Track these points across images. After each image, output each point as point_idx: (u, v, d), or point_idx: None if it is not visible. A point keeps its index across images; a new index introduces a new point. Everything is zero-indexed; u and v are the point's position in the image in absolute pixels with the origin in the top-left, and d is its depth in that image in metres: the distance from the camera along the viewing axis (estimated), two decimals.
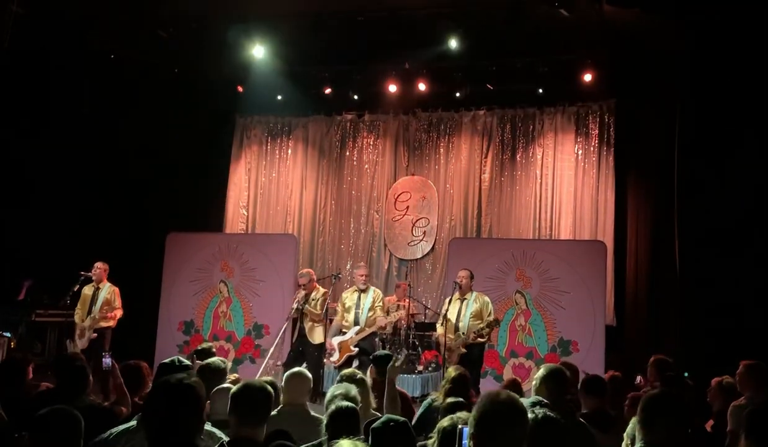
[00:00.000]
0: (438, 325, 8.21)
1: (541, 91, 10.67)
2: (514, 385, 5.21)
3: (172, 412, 2.59)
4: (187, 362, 4.35)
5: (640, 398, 3.26)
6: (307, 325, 8.56)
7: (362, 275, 8.64)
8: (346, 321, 8.48)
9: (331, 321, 8.91)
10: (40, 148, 10.37)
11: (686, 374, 7.27)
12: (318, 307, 8.53)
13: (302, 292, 8.62)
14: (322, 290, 8.70)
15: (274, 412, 4.31)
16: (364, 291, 8.57)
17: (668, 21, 8.63)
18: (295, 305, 8.58)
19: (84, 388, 4.41)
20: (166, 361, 4.30)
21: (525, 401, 3.64)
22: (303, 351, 8.56)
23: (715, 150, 8.41)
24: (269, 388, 3.41)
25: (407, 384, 9.03)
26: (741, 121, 8.23)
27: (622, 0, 8.39)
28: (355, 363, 8.38)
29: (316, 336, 8.55)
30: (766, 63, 7.88)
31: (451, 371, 5.06)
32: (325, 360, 8.57)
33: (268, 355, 9.01)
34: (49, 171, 10.53)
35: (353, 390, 4.11)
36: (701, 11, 8.06)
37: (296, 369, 4.78)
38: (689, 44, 8.62)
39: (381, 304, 8.59)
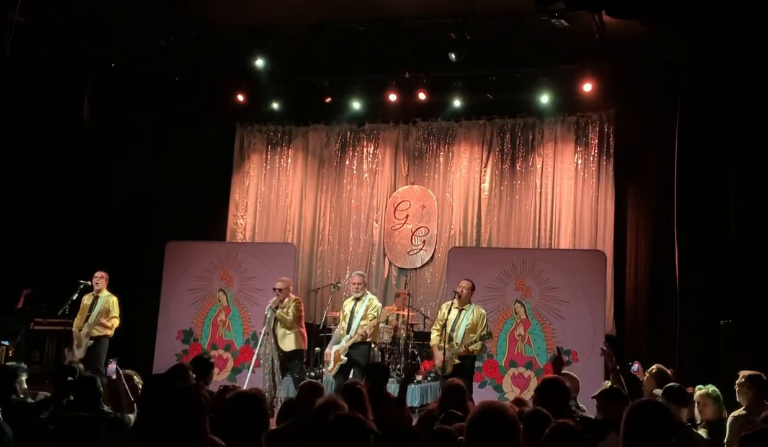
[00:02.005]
0: (433, 331, 8.17)
1: (540, 100, 10.68)
2: (521, 404, 5.15)
3: (169, 421, 2.53)
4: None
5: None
6: (279, 331, 8.58)
7: (355, 283, 8.56)
8: (342, 329, 8.45)
9: (323, 328, 8.89)
10: (40, 156, 10.37)
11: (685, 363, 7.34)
12: (289, 314, 8.54)
13: (275, 298, 8.61)
14: (294, 298, 8.74)
15: (288, 423, 4.31)
16: (359, 299, 8.48)
17: (668, 32, 8.66)
18: (268, 312, 8.55)
19: (98, 397, 4.40)
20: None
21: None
22: (282, 359, 8.56)
23: (715, 159, 8.41)
24: (266, 396, 3.40)
25: (407, 393, 8.99)
26: (741, 130, 8.23)
27: (622, 11, 8.41)
28: (351, 373, 8.33)
29: (287, 343, 8.57)
30: (765, 73, 7.89)
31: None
32: (323, 369, 8.56)
33: (251, 365, 8.89)
34: (50, 179, 10.53)
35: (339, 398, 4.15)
36: (701, 22, 8.08)
37: (310, 381, 4.74)
38: (689, 55, 8.64)
39: (375, 312, 8.48)
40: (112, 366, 4.90)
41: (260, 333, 8.78)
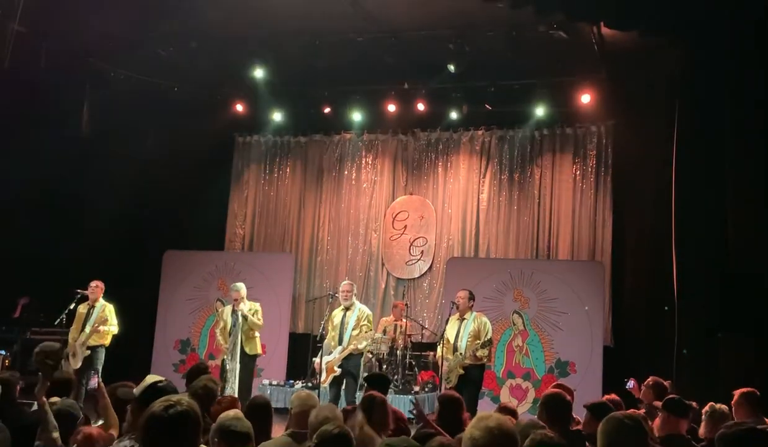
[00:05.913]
0: (438, 347, 8.12)
1: (539, 112, 10.71)
2: (508, 411, 5.13)
3: (171, 440, 2.50)
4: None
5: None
6: (242, 336, 8.50)
7: (344, 291, 8.44)
8: (333, 340, 8.32)
9: (316, 338, 8.82)
10: (39, 166, 10.35)
11: (684, 351, 7.28)
12: (256, 318, 8.56)
13: (239, 303, 8.59)
14: (255, 304, 8.71)
15: (283, 436, 4.27)
16: (349, 308, 8.35)
17: (666, 44, 8.69)
18: (239, 318, 8.46)
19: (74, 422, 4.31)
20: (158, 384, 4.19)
21: (525, 424, 3.60)
22: (242, 363, 8.50)
23: (713, 171, 8.42)
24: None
25: (404, 404, 8.95)
26: (738, 142, 8.25)
27: (619, 23, 8.44)
28: (345, 384, 8.24)
29: (252, 347, 8.55)
30: (762, 85, 7.91)
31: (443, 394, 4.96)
32: (315, 380, 8.48)
33: (231, 375, 8.78)
34: (47, 188, 10.52)
35: (336, 410, 4.10)
36: (699, 34, 8.11)
37: (305, 391, 4.67)
38: (686, 67, 8.67)
39: (367, 322, 8.33)
40: (94, 380, 4.82)
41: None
